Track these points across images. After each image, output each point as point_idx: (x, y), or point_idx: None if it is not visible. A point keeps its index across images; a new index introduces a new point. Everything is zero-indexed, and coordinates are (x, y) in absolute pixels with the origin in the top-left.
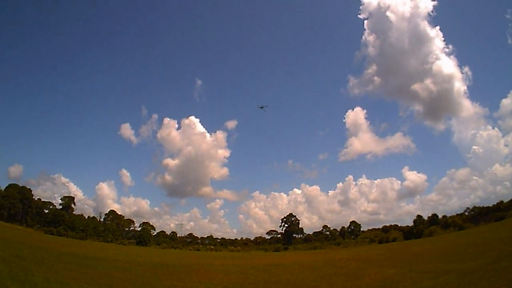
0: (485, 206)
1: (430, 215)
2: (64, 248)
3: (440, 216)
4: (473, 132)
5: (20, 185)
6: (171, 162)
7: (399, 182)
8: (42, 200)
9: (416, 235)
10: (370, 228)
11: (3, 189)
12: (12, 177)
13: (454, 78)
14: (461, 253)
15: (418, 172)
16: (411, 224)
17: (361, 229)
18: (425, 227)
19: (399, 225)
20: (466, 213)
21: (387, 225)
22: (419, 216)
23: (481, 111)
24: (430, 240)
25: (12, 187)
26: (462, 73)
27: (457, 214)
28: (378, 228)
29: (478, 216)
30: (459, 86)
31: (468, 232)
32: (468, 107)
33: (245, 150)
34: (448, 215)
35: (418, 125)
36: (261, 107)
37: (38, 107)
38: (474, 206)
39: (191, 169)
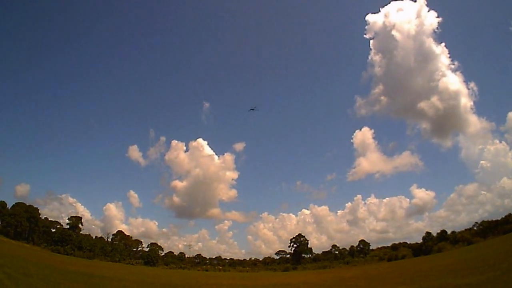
0: (493, 219)
1: (439, 231)
2: (71, 266)
3: (449, 232)
4: (480, 147)
5: (27, 204)
6: (179, 184)
7: (408, 200)
8: (49, 219)
9: (425, 252)
10: (379, 246)
11: (9, 208)
12: (19, 195)
13: (460, 94)
14: (470, 267)
15: (426, 190)
16: (420, 241)
17: (370, 248)
18: (434, 244)
19: (408, 242)
20: (475, 228)
21: (396, 242)
22: (428, 233)
23: (488, 125)
24: (439, 256)
25: (19, 205)
26: (468, 88)
27: (466, 229)
28: (387, 246)
29: (486, 230)
30: (465, 102)
31: (477, 246)
32: (475, 122)
33: (253, 171)
34: (457, 230)
35: (425, 143)
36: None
37: (47, 126)
38: (483, 221)
39: (200, 191)
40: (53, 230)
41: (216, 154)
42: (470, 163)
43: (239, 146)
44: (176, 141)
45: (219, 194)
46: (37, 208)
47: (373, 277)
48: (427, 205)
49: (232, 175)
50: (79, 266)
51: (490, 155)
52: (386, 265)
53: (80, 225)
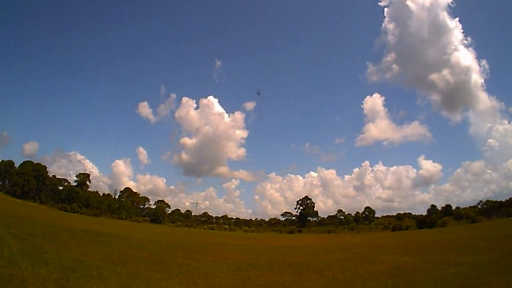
0: (498, 200)
1: (444, 205)
2: (78, 224)
3: (453, 207)
4: (489, 126)
5: (35, 162)
6: (188, 141)
7: (415, 170)
8: (57, 177)
9: (429, 225)
10: (384, 214)
11: (17, 167)
12: (27, 154)
13: (471, 70)
14: (472, 246)
15: (433, 162)
16: (424, 213)
17: (375, 215)
18: (438, 217)
19: (413, 214)
20: (479, 206)
21: (401, 212)
22: (433, 206)
23: (497, 105)
24: (443, 231)
25: (27, 164)
26: (480, 66)
27: (470, 207)
28: (392, 215)
29: (491, 209)
30: (476, 78)
31: (480, 225)
32: (485, 100)
33: (263, 131)
34: (461, 206)
35: (435, 115)
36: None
37: (56, 84)
38: (487, 200)
39: (208, 149)
40: (61, 188)
41: (226, 112)
42: (478, 140)
43: (250, 105)
44: (187, 98)
45: (227, 152)
46: (45, 166)
47: (377, 245)
48: (434, 177)
49: (241, 133)
50: (85, 224)
51: (498, 135)
52: (390, 235)
53: (88, 182)
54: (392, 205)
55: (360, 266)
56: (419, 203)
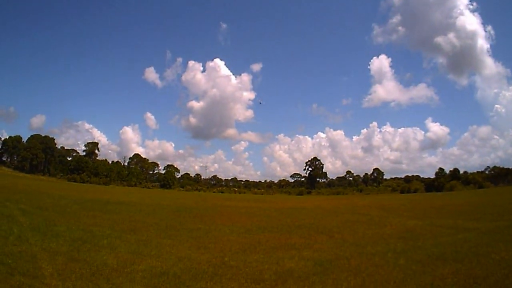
0: (505, 167)
1: (451, 169)
2: (87, 194)
3: (461, 172)
4: (496, 91)
5: (43, 135)
6: (195, 105)
7: (422, 132)
8: (66, 148)
9: (437, 188)
10: (393, 176)
11: (25, 141)
12: (35, 127)
13: (477, 35)
14: (480, 212)
15: (441, 125)
16: (432, 176)
17: (384, 177)
18: (446, 181)
19: (421, 176)
20: (487, 172)
21: (409, 175)
22: (441, 169)
23: (503, 71)
24: (451, 195)
25: (34, 137)
26: (486, 31)
27: (477, 172)
28: (400, 178)
29: (498, 176)
30: (482, 43)
31: (488, 191)
32: (491, 65)
33: (270, 92)
34: (469, 171)
35: (441, 78)
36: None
37: (60, 55)
38: (495, 166)
39: (216, 111)
40: (69, 159)
41: (233, 75)
42: (485, 105)
43: (256, 67)
44: (193, 62)
45: (235, 114)
46: (52, 138)
47: (386, 208)
48: (441, 140)
49: (249, 95)
50: (95, 194)
51: (505, 101)
52: (398, 197)
53: (96, 151)
54: (400, 167)
55: (369, 229)
56: (427, 166)
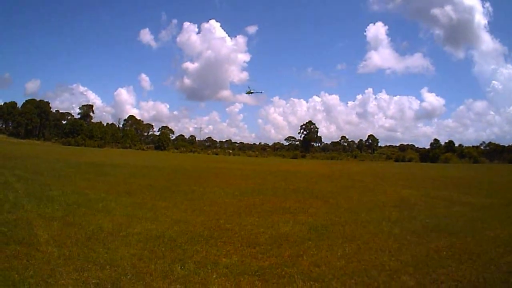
0: (500, 144)
1: (446, 141)
2: (82, 158)
3: (456, 144)
4: (493, 67)
5: (38, 100)
6: (190, 66)
7: (418, 102)
8: (60, 111)
9: (432, 159)
10: (387, 144)
11: (20, 107)
12: (30, 92)
13: (474, 10)
14: (475, 187)
15: (436, 95)
16: (427, 146)
17: (378, 144)
18: (441, 152)
19: (416, 146)
20: (482, 147)
21: (404, 144)
22: (436, 140)
23: (501, 48)
24: (446, 167)
25: (29, 102)
26: (484, 7)
27: (473, 146)
28: (395, 146)
29: (493, 152)
30: (480, 18)
31: (483, 167)
32: (488, 41)
33: (266, 55)
34: (464, 144)
35: (437, 49)
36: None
37: (53, 16)
38: (490, 142)
39: (211, 73)
40: (64, 122)
41: (229, 36)
42: (482, 80)
43: (252, 29)
44: (188, 23)
45: (230, 76)
46: (47, 102)
47: (381, 176)
48: (436, 111)
49: (244, 57)
50: (90, 157)
51: (502, 78)
52: (393, 165)
53: (91, 114)
54: (395, 136)
55: (363, 195)
56: (422, 135)
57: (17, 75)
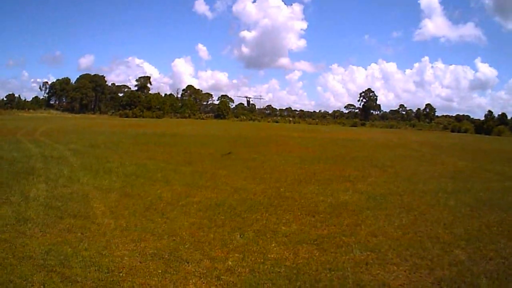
0: None
1: (500, 113)
2: (141, 128)
3: (508, 117)
4: None
5: (92, 74)
6: (247, 35)
7: (473, 72)
8: (116, 84)
9: (486, 131)
10: (444, 114)
11: (74, 82)
12: (83, 68)
13: None
14: None
15: (490, 66)
16: (481, 117)
17: (435, 114)
18: (494, 125)
19: (471, 117)
20: None
21: (460, 114)
22: (490, 112)
23: None
24: (499, 140)
25: (84, 77)
26: None
27: None
28: (451, 116)
29: None
30: None
31: None
32: None
33: (323, 22)
34: None
35: (488, 19)
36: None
37: None
38: None
39: (268, 41)
40: (121, 95)
41: (285, 4)
42: None
43: None
44: None
45: (288, 44)
46: (103, 76)
47: (437, 146)
48: (490, 82)
49: (301, 25)
50: (148, 127)
51: None
52: (449, 136)
53: (148, 85)
54: (451, 105)
55: (421, 165)
56: (476, 106)
57: (70, 52)
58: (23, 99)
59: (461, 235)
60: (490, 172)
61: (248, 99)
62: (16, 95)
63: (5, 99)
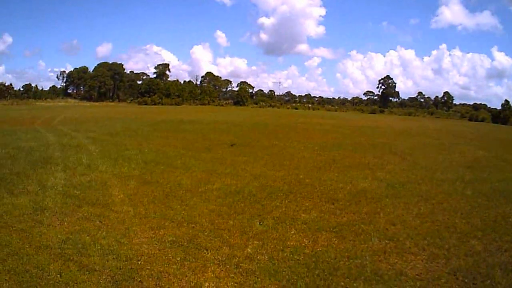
0: None
1: None
2: (160, 116)
3: None
4: None
5: (110, 62)
6: (266, 21)
7: (489, 60)
8: (135, 72)
9: (502, 120)
10: (462, 102)
11: (91, 71)
12: (101, 56)
13: None
14: None
15: (506, 55)
16: (498, 107)
17: (453, 102)
18: (511, 114)
19: (488, 106)
20: None
21: (478, 103)
22: (506, 101)
23: None
24: None
25: (101, 65)
26: None
27: None
28: (469, 104)
29: None
30: None
31: None
32: None
33: (341, 8)
34: None
35: (504, 8)
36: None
37: None
38: None
39: (287, 27)
40: (139, 83)
41: None
42: None
43: None
44: None
45: (306, 30)
46: (121, 64)
47: (456, 134)
48: (506, 71)
49: (319, 11)
50: (167, 114)
51: None
52: (467, 124)
53: (167, 72)
54: (468, 94)
55: (439, 154)
56: (493, 95)
57: (87, 41)
58: (40, 88)
59: (477, 225)
60: (506, 162)
61: (278, 82)
62: (33, 85)
63: (21, 89)
